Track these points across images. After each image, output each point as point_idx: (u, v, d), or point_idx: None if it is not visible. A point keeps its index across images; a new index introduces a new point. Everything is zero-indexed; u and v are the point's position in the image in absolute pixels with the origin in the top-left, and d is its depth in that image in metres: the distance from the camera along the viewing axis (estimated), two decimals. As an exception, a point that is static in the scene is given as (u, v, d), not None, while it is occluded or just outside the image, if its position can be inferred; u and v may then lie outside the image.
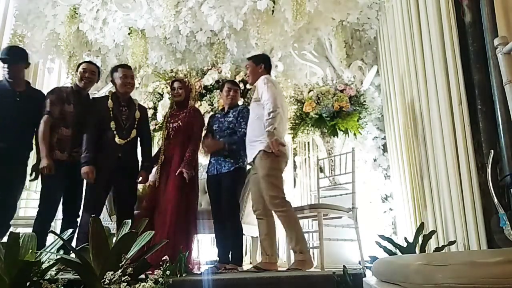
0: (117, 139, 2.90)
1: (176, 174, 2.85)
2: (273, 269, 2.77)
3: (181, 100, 3.12)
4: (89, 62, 3.21)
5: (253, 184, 3.03)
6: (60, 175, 2.82)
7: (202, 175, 4.67)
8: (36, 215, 2.82)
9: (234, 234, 2.97)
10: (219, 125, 3.18)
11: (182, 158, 2.92)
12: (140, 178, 3.02)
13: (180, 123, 3.02)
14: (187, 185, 2.90)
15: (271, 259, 2.83)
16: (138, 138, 3.07)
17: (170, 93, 3.31)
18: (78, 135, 2.90)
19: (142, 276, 2.02)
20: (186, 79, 3.21)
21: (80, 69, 3.06)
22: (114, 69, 3.11)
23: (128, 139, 2.96)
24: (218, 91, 4.70)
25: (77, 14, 4.17)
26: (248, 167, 3.20)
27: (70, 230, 2.43)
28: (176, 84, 3.14)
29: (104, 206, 3.24)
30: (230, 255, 2.96)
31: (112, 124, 2.91)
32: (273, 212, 2.88)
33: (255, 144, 2.91)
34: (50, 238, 2.89)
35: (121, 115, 2.99)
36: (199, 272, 2.70)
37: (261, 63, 3.12)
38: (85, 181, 2.90)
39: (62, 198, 2.90)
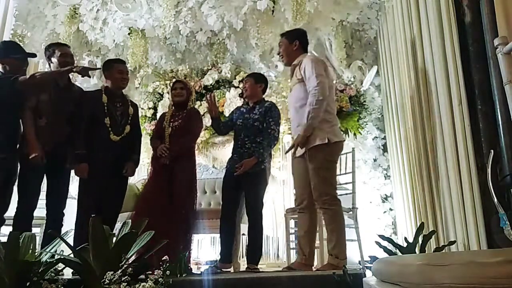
0: (111, 136, 2.84)
1: (157, 154, 2.90)
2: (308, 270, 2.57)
3: (182, 101, 3.10)
4: (63, 45, 3.03)
5: (298, 174, 2.78)
6: (39, 167, 2.72)
7: (202, 175, 4.70)
8: (15, 210, 2.69)
9: (258, 234, 2.88)
10: (244, 121, 3.02)
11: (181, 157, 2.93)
12: (128, 170, 2.93)
13: (181, 122, 3.02)
14: (187, 185, 2.91)
15: (307, 260, 2.66)
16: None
17: (170, 93, 3.27)
18: (56, 124, 2.77)
19: (142, 276, 2.02)
20: (187, 81, 3.21)
21: (57, 53, 2.87)
22: (108, 64, 3.02)
23: (123, 135, 2.90)
24: (218, 91, 4.71)
25: (77, 14, 4.17)
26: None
27: (71, 230, 2.43)
28: (178, 85, 3.12)
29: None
30: (247, 255, 2.90)
31: (107, 120, 2.84)
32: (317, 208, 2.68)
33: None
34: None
35: (116, 110, 2.92)
36: (199, 272, 2.70)
37: (296, 40, 2.81)
38: (76, 181, 2.85)
39: (46, 195, 2.81)
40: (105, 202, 2.81)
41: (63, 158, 2.82)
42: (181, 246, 2.59)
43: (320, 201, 2.60)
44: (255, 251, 2.89)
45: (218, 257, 3.01)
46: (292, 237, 3.64)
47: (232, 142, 3.19)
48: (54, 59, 2.87)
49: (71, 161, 2.82)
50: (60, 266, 2.06)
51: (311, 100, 2.56)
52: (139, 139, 3.12)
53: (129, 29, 4.38)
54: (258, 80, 3.11)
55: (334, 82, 4.41)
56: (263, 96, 3.16)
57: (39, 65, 4.58)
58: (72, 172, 2.91)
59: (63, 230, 2.71)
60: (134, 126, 3.05)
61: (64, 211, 2.86)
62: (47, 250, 2.04)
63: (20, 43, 4.04)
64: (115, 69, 2.96)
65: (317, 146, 2.59)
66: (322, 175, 2.60)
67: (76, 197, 2.88)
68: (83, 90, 3.07)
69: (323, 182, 2.59)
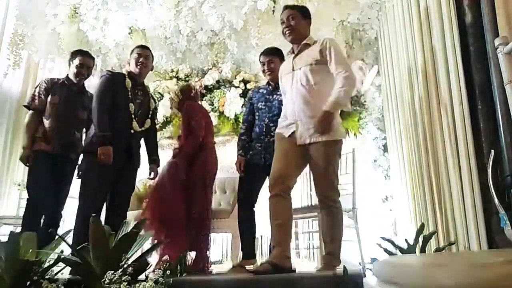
0: (134, 124, 2.67)
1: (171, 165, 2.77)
2: (289, 266, 2.36)
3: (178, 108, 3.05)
4: (86, 55, 3.01)
5: (288, 154, 2.46)
6: (46, 166, 2.74)
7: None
8: (25, 207, 2.74)
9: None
10: (267, 103, 2.76)
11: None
12: (153, 174, 2.84)
13: (179, 121, 3.02)
14: (200, 184, 2.85)
15: (288, 251, 2.43)
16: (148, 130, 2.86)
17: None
18: (65, 127, 2.81)
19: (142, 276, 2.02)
20: (173, 96, 3.12)
21: (77, 63, 2.90)
22: (133, 50, 2.91)
23: (143, 128, 2.76)
24: (218, 91, 4.71)
25: (77, 13, 4.16)
26: None
27: (71, 230, 2.42)
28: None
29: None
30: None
31: (132, 107, 2.66)
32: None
33: (314, 125, 2.37)
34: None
35: (136, 99, 2.74)
36: (199, 272, 2.69)
37: (308, 18, 2.60)
38: (76, 173, 2.81)
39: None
40: (117, 199, 2.69)
41: (68, 160, 2.84)
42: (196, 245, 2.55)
43: (328, 198, 2.45)
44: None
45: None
46: (294, 237, 3.63)
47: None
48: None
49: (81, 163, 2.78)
50: (60, 265, 2.07)
51: (344, 82, 2.36)
52: (156, 138, 3.01)
53: (130, 28, 4.38)
54: (283, 58, 2.85)
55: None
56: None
57: (39, 64, 4.59)
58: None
59: (62, 230, 2.70)
60: (153, 123, 2.94)
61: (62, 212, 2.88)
62: (47, 249, 2.04)
63: (21, 43, 4.05)
64: (134, 52, 2.84)
65: (324, 143, 2.40)
66: (335, 172, 2.46)
67: (78, 194, 2.82)
68: (108, 71, 2.89)
69: (333, 180, 2.45)
